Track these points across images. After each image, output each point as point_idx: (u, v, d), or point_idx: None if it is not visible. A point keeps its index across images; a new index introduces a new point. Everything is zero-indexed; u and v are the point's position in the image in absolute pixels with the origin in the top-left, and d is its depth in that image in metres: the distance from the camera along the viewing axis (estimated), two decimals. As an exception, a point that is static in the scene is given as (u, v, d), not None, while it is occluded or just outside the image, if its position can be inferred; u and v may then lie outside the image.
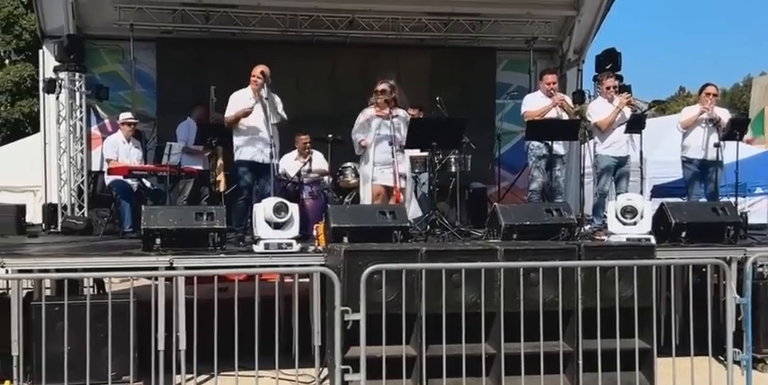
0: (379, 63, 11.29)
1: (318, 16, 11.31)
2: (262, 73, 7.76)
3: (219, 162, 9.45)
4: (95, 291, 7.49)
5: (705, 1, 72.98)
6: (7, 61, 25.08)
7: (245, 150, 7.95)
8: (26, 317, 5.63)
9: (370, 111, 7.89)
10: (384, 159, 7.72)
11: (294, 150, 9.52)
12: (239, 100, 7.94)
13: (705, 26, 71.42)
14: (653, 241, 6.63)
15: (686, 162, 8.82)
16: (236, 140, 7.99)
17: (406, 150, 8.04)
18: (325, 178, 9.34)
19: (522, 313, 5.44)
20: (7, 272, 5.80)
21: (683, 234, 6.88)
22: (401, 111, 7.99)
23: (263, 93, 7.82)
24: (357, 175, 8.79)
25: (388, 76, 8.16)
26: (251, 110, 7.80)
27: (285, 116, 8.06)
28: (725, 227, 6.98)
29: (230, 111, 7.96)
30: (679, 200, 9.34)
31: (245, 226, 7.77)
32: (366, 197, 7.87)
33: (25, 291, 6.16)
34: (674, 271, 6.07)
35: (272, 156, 7.78)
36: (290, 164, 9.31)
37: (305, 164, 9.20)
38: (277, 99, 7.99)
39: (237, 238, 7.45)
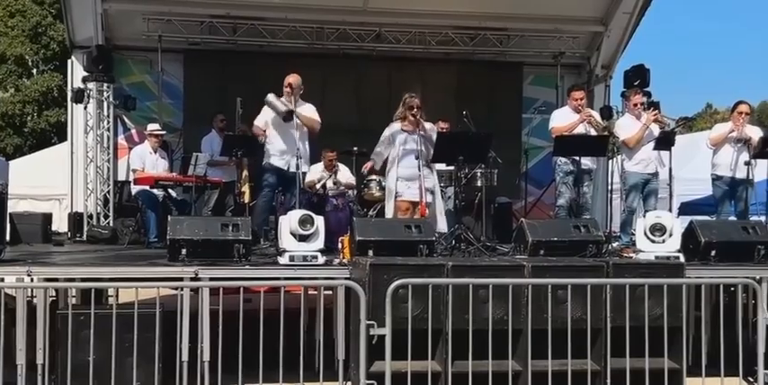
0: (405, 76, 11.32)
1: (345, 29, 11.37)
2: (290, 85, 7.90)
3: (245, 173, 9.48)
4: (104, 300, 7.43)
5: (730, 16, 72.74)
6: (35, 71, 25.35)
7: (274, 157, 8.18)
8: (51, 325, 5.64)
9: (395, 126, 7.81)
10: (410, 174, 7.62)
11: (320, 162, 9.51)
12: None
13: (731, 42, 71.20)
14: (682, 259, 6.53)
15: (716, 179, 8.71)
16: (267, 146, 8.23)
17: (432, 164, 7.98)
18: (350, 191, 9.32)
19: (550, 330, 5.39)
20: (33, 280, 5.82)
21: (713, 252, 6.76)
22: (428, 125, 7.93)
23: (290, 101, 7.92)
24: (382, 188, 8.73)
25: (413, 90, 8.12)
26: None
27: (319, 119, 8.23)
28: (755, 246, 6.85)
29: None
30: (707, 217, 9.21)
31: (266, 228, 7.78)
32: (389, 212, 7.82)
33: (50, 299, 6.16)
34: (704, 290, 5.98)
35: (298, 167, 7.86)
36: (316, 176, 9.28)
37: (330, 176, 9.17)
38: (309, 106, 8.17)
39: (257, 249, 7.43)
